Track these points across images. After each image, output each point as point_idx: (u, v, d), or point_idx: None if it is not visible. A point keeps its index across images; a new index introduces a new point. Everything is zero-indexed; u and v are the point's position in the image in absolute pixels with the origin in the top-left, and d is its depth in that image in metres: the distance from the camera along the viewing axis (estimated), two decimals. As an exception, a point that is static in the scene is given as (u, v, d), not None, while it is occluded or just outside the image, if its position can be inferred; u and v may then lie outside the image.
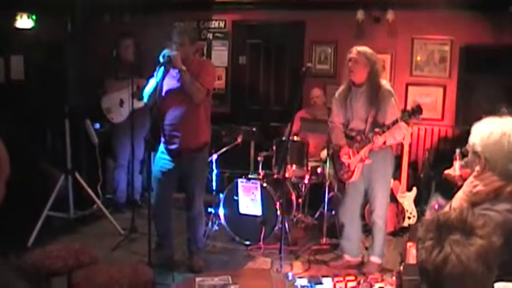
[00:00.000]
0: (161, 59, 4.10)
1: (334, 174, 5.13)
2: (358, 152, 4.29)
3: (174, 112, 4.30)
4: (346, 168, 4.42)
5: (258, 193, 5.09)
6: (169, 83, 4.28)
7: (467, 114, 6.11)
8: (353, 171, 4.38)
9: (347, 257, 4.64)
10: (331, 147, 5.02)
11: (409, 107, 4.53)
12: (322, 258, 4.85)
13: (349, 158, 4.36)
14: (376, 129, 4.14)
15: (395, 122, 4.10)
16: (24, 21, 6.56)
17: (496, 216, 1.95)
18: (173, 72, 4.25)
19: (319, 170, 5.55)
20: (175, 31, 4.30)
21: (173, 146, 4.35)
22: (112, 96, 5.93)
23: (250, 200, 5.14)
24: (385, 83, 4.34)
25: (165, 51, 4.11)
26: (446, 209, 2.10)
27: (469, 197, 2.16)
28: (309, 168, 5.41)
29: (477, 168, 2.17)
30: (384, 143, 4.25)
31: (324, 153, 5.52)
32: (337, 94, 4.51)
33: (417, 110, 4.05)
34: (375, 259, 4.52)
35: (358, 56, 4.22)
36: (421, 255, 1.47)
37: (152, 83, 4.28)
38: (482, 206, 2.06)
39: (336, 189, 5.49)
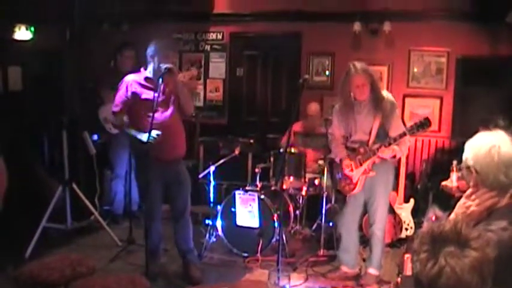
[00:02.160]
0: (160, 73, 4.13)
1: (332, 185, 5.13)
2: (361, 164, 4.28)
3: (160, 123, 4.28)
4: (348, 180, 4.39)
5: (255, 205, 5.09)
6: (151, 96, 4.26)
7: (464, 125, 6.13)
8: (356, 184, 4.35)
9: (344, 269, 4.61)
10: (328, 158, 5.03)
11: (408, 120, 4.50)
12: (320, 270, 4.82)
13: (351, 170, 4.34)
14: (388, 141, 4.11)
15: (402, 135, 4.08)
16: (22, 33, 6.59)
17: (490, 236, 1.94)
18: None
19: (316, 182, 5.55)
20: (167, 45, 4.38)
21: (160, 156, 4.34)
22: (110, 106, 5.92)
23: (247, 212, 5.13)
24: (387, 94, 4.34)
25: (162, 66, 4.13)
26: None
27: (463, 219, 2.15)
28: (307, 179, 5.41)
29: (471, 183, 2.18)
30: (394, 156, 4.25)
31: (321, 162, 5.50)
32: (337, 106, 4.47)
33: (425, 122, 4.00)
34: (372, 271, 4.48)
35: (365, 76, 4.16)
36: (415, 268, 1.48)
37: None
38: (477, 227, 2.06)
39: (333, 201, 5.49)
